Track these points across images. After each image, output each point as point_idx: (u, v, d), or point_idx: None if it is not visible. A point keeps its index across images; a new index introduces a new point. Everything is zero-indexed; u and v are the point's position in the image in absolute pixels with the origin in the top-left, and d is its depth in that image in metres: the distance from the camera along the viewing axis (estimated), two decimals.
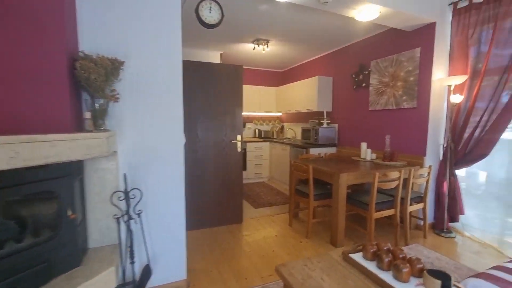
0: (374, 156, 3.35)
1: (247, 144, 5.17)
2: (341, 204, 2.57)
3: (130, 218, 1.62)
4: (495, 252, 2.49)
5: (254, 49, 4.18)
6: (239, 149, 3.17)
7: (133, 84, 1.70)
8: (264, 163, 5.44)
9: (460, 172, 2.90)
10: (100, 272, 1.36)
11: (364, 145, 3.42)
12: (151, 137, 1.77)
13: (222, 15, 2.33)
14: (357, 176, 2.61)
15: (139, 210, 1.68)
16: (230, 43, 4.12)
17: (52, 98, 1.30)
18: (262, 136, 5.86)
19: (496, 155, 2.56)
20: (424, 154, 2.97)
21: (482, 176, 2.81)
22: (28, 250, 1.22)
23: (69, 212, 1.36)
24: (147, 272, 1.72)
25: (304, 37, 3.85)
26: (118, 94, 1.60)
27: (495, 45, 2.48)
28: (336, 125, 4.42)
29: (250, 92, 5.56)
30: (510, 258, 2.31)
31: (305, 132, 4.69)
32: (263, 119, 6.19)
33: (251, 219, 3.36)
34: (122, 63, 1.56)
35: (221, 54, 4.64)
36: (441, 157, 2.99)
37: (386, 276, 1.28)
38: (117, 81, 1.61)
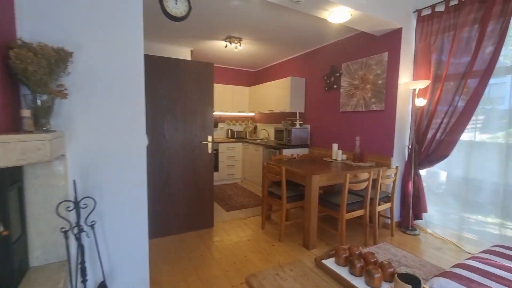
0: (344, 157, 3.40)
1: (219, 144, 5.02)
2: (313, 206, 2.55)
3: (81, 230, 1.42)
4: (455, 248, 2.64)
5: (226, 46, 4.04)
6: (210, 150, 3.03)
7: (86, 78, 1.50)
8: (236, 164, 5.33)
9: (423, 172, 3.05)
10: None
11: (335, 146, 3.47)
12: (107, 139, 1.58)
13: (190, 7, 2.15)
14: (329, 178, 2.61)
15: (93, 221, 1.48)
16: (201, 39, 3.95)
17: None
18: (235, 136, 5.73)
19: (455, 155, 2.72)
20: (392, 155, 3.07)
21: (442, 176, 2.98)
22: None
23: (0, 228, 1.14)
24: None
25: (277, 37, 3.81)
26: (66, 89, 1.39)
27: (454, 52, 2.63)
28: (309, 126, 4.45)
29: (223, 91, 5.41)
30: (469, 253, 2.46)
31: (278, 132, 4.66)
32: (236, 119, 6.07)
33: (223, 223, 3.24)
34: (70, 54, 1.36)
35: (191, 50, 4.44)
36: (406, 158, 3.12)
37: (359, 283, 1.26)
38: (66, 75, 1.40)
